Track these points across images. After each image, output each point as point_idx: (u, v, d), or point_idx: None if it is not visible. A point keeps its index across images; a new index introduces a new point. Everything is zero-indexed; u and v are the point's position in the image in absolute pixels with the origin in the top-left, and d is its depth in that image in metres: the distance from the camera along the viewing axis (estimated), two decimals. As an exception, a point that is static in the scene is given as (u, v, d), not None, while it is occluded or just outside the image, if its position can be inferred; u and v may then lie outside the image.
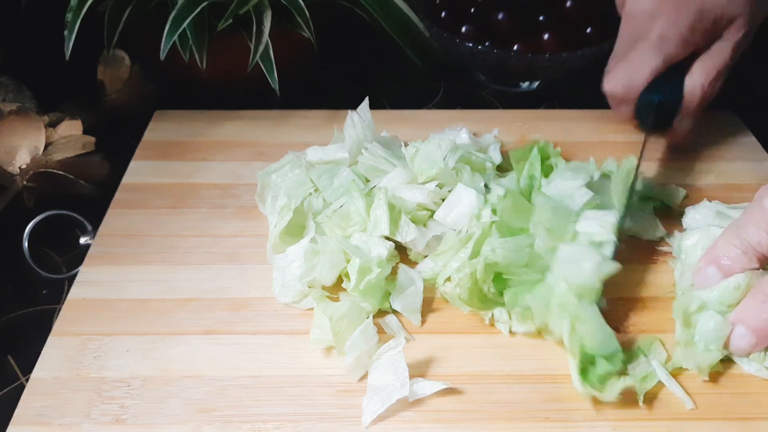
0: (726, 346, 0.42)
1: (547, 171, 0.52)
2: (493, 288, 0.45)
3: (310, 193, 0.51)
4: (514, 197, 0.47)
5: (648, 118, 0.55)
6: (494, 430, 0.39)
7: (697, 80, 0.54)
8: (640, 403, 0.40)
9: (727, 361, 0.42)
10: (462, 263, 0.45)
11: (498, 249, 0.44)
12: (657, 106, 0.54)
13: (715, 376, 0.42)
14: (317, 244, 0.47)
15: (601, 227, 0.46)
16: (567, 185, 0.49)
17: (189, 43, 0.56)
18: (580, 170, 0.51)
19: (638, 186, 0.51)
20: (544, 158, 0.53)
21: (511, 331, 0.44)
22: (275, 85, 0.58)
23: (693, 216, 0.50)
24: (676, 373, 0.42)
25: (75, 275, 0.48)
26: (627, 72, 0.54)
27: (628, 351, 0.42)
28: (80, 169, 0.54)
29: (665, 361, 0.42)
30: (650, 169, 0.57)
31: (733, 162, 0.59)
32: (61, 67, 0.55)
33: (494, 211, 0.47)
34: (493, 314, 0.45)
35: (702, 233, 0.47)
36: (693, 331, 0.42)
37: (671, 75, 0.54)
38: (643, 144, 0.54)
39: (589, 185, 0.49)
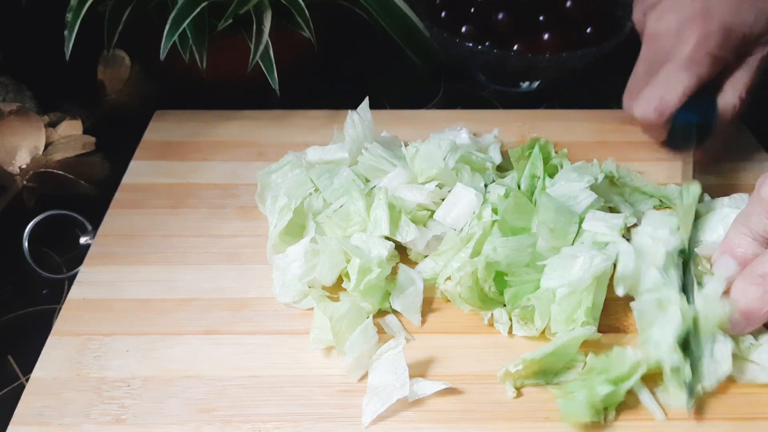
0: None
1: (551, 171, 0.53)
2: (494, 287, 0.45)
3: (310, 193, 0.51)
4: (516, 196, 0.47)
5: (687, 139, 0.54)
6: (494, 430, 0.39)
7: (729, 99, 0.54)
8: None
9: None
10: (463, 262, 0.45)
11: (500, 248, 0.44)
12: (696, 127, 0.53)
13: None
14: (317, 244, 0.47)
15: (608, 228, 0.46)
16: (571, 187, 0.49)
17: (189, 43, 0.56)
18: (584, 172, 0.51)
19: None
20: (546, 157, 0.53)
21: (510, 332, 0.44)
22: (275, 85, 0.58)
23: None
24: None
25: (75, 275, 0.48)
26: (658, 94, 0.53)
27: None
28: (80, 169, 0.54)
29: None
30: (651, 169, 0.57)
31: (733, 162, 0.59)
32: (61, 67, 0.55)
33: (495, 211, 0.47)
34: (492, 314, 0.45)
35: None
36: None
37: (700, 95, 0.53)
38: (684, 167, 0.53)
39: (593, 187, 0.49)
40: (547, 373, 0.41)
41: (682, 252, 0.46)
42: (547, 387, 0.41)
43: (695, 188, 0.49)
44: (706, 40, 0.52)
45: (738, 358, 0.41)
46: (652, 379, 0.41)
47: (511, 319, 0.44)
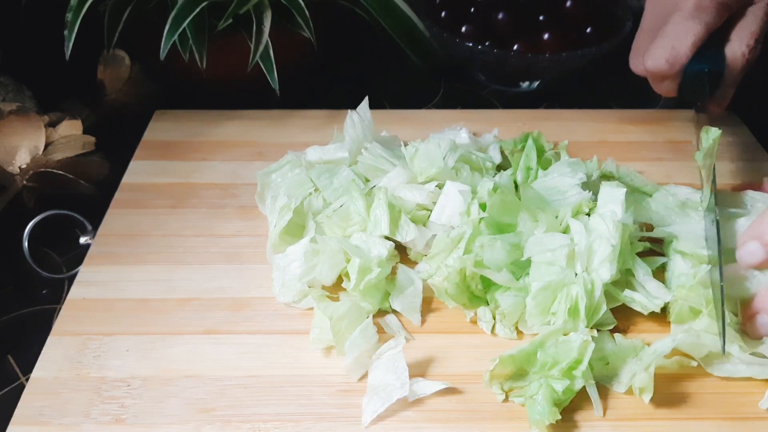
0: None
1: (545, 165, 0.52)
2: (481, 285, 0.45)
3: (310, 193, 0.51)
4: (503, 192, 0.47)
5: (700, 89, 0.53)
6: (494, 430, 0.39)
7: (737, 48, 0.53)
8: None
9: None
10: (453, 259, 0.45)
11: (486, 246, 0.44)
12: (707, 76, 0.53)
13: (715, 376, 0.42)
14: (317, 244, 0.47)
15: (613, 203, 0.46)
16: (563, 181, 0.49)
17: (189, 43, 0.56)
18: (578, 167, 0.50)
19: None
20: (540, 150, 0.53)
21: (493, 332, 0.44)
22: (275, 85, 0.58)
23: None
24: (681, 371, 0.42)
25: (75, 275, 0.48)
26: (668, 45, 0.52)
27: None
28: (80, 169, 0.54)
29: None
30: (651, 169, 0.57)
31: (733, 162, 0.59)
32: (61, 67, 0.55)
33: (483, 207, 0.47)
34: (476, 313, 0.45)
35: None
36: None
37: (707, 45, 0.53)
38: (697, 119, 0.52)
39: (588, 184, 0.49)
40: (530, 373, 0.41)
41: (709, 208, 0.45)
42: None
43: (714, 132, 0.48)
44: None
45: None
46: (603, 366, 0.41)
47: (494, 318, 0.44)
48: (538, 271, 0.43)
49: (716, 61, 0.53)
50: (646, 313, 0.44)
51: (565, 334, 0.41)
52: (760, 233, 0.43)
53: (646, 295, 0.44)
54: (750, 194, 0.50)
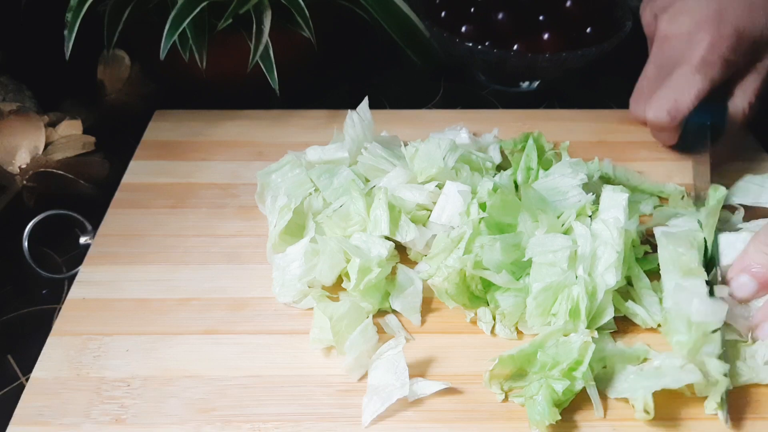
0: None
1: (545, 165, 0.52)
2: (481, 285, 0.45)
3: (310, 193, 0.51)
4: (503, 192, 0.47)
5: (701, 142, 0.54)
6: (494, 430, 0.39)
7: (739, 104, 0.54)
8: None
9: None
10: (453, 259, 0.45)
11: (486, 247, 0.44)
12: (709, 129, 0.53)
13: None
14: (317, 244, 0.47)
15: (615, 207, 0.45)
16: (564, 182, 0.49)
17: (189, 43, 0.56)
18: (579, 168, 0.50)
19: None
20: (540, 150, 0.53)
21: (493, 332, 0.44)
22: (275, 85, 0.58)
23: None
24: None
25: (75, 275, 0.48)
26: (671, 97, 0.53)
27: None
28: (80, 169, 0.54)
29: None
30: (651, 169, 0.57)
31: (733, 162, 0.58)
32: (61, 67, 0.55)
33: (483, 207, 0.47)
34: (476, 313, 0.45)
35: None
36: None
37: (711, 99, 0.53)
38: (700, 169, 0.53)
39: (589, 185, 0.49)
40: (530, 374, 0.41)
41: (706, 256, 0.45)
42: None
43: (721, 191, 0.49)
44: (719, 43, 0.52)
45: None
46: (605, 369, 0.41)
47: (494, 318, 0.44)
48: (540, 272, 0.43)
49: (718, 115, 0.54)
50: (644, 327, 0.44)
51: (565, 335, 0.41)
52: (747, 266, 0.43)
53: (646, 310, 0.44)
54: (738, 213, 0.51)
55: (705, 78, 0.52)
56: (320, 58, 0.66)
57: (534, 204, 0.46)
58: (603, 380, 0.41)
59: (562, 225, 0.46)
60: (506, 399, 0.40)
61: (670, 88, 0.53)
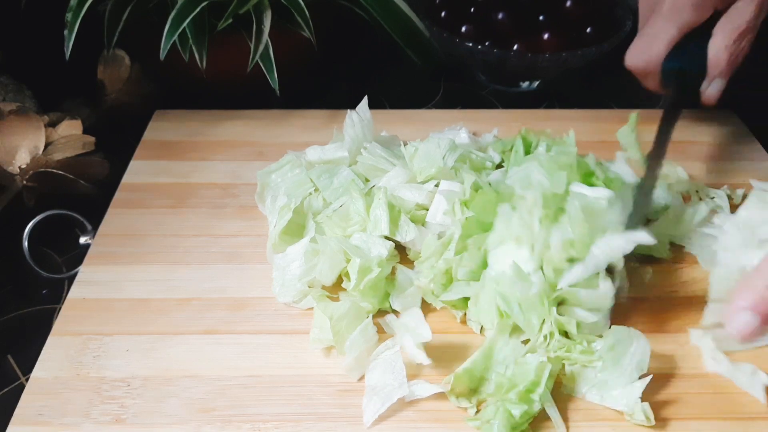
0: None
1: None
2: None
3: (310, 193, 0.51)
4: (482, 192, 0.46)
5: (681, 86, 0.54)
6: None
7: (719, 43, 0.53)
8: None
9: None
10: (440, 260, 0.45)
11: (465, 255, 0.44)
12: (680, 74, 0.54)
13: (715, 375, 0.42)
14: (317, 244, 0.47)
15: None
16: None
17: (189, 43, 0.56)
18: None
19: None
20: (527, 145, 0.53)
21: (482, 332, 0.44)
22: (275, 85, 0.58)
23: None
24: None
25: (75, 275, 0.48)
26: (644, 45, 0.54)
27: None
28: (80, 169, 0.54)
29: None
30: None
31: (733, 162, 0.59)
32: (61, 67, 0.55)
33: (466, 204, 0.46)
34: (465, 313, 0.45)
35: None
36: None
37: (695, 41, 0.53)
38: (665, 114, 0.52)
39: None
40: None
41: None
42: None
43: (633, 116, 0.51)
44: None
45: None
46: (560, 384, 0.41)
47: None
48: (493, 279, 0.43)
49: (698, 57, 0.54)
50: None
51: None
52: (757, 303, 0.38)
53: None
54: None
55: (674, 23, 0.53)
56: (320, 58, 0.66)
57: (508, 198, 0.46)
58: (572, 387, 0.40)
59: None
60: (479, 410, 0.40)
61: (643, 37, 0.54)
